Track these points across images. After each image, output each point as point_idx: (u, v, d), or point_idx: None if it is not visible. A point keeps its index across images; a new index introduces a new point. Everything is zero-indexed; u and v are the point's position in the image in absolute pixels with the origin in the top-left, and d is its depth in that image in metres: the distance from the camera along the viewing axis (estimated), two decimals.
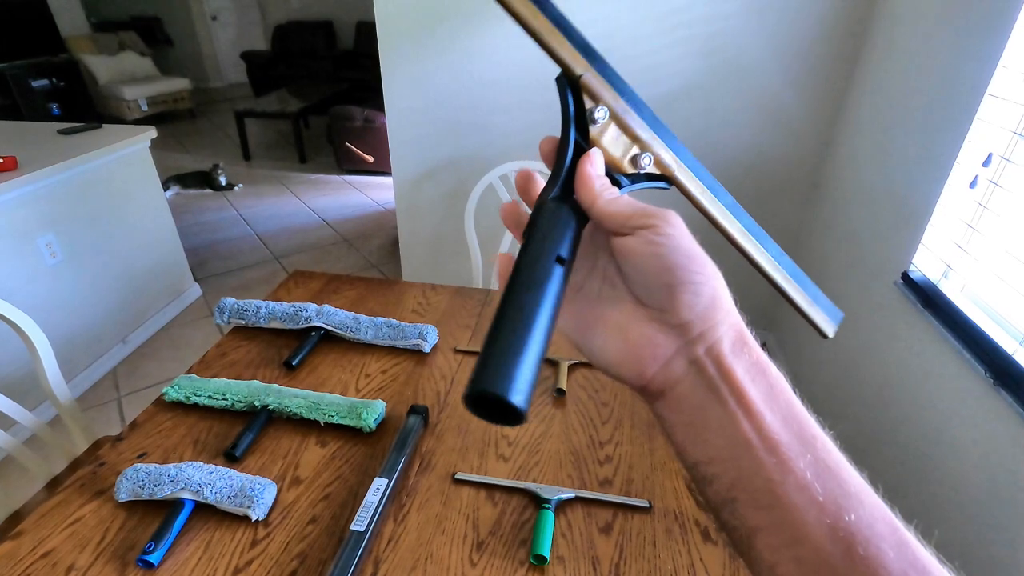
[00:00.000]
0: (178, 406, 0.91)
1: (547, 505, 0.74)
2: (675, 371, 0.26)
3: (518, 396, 0.21)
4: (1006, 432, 1.07)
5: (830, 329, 0.32)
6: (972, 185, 1.27)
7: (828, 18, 1.75)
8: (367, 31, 5.75)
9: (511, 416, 0.21)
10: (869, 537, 0.22)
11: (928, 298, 1.33)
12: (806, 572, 0.22)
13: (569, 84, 0.28)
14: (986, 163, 1.24)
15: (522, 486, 0.78)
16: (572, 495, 0.77)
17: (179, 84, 5.74)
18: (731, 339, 0.25)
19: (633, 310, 0.27)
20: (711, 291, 0.25)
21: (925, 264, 1.40)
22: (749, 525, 0.24)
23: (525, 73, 1.95)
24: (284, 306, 1.10)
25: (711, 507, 0.26)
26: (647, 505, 0.76)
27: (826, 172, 1.98)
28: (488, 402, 0.21)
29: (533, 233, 0.26)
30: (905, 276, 1.43)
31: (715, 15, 1.79)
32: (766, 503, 0.23)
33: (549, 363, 1.04)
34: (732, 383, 0.24)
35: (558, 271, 0.24)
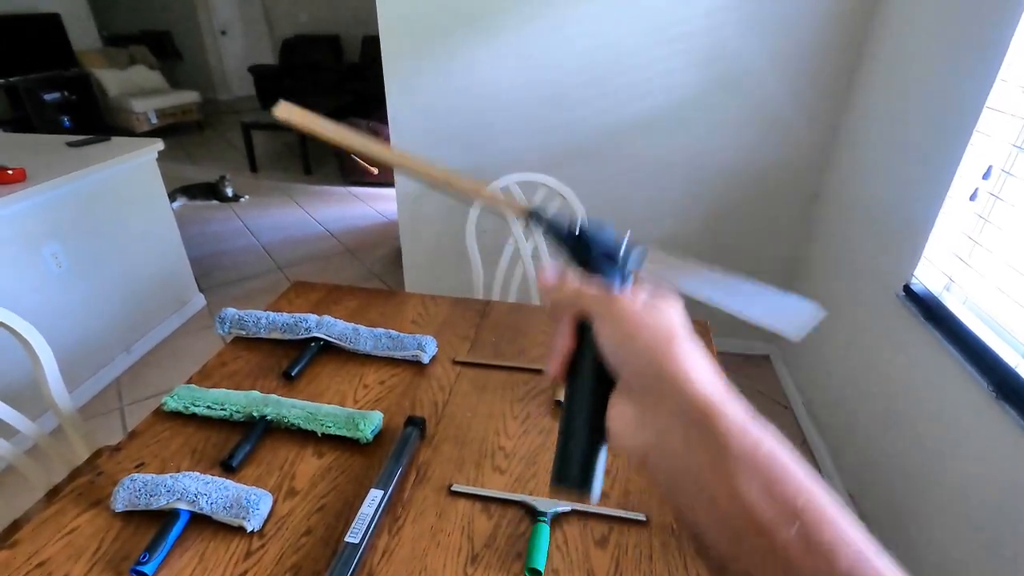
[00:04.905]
0: (177, 416, 0.92)
1: (543, 518, 0.74)
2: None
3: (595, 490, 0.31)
4: (1009, 446, 1.06)
5: (794, 332, 0.31)
6: (972, 198, 1.27)
7: (827, 30, 1.77)
8: (373, 45, 5.78)
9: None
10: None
11: (930, 311, 1.32)
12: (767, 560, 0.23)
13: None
14: (986, 176, 1.24)
15: (518, 498, 0.78)
16: (568, 508, 0.77)
17: (188, 97, 5.81)
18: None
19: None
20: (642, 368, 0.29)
21: (927, 276, 1.39)
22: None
23: (527, 87, 1.97)
24: (284, 316, 1.11)
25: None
26: (644, 519, 0.76)
27: (826, 183, 1.98)
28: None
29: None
30: (907, 288, 1.43)
31: (715, 26, 1.80)
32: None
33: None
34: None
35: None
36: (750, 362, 2.34)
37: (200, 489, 0.73)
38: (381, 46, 1.97)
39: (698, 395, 0.26)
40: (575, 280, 0.33)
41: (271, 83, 6.32)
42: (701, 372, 0.27)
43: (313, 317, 1.10)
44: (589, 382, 0.31)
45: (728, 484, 0.24)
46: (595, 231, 0.34)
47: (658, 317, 0.29)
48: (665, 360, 0.27)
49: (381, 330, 1.09)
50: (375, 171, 4.27)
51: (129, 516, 0.74)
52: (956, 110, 1.32)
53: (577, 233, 0.35)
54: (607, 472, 0.83)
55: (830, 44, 1.78)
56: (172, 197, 3.69)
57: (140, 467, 0.82)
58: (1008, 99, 1.19)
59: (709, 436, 0.25)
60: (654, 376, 0.27)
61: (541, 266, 0.28)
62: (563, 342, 0.32)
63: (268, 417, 0.88)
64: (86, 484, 0.79)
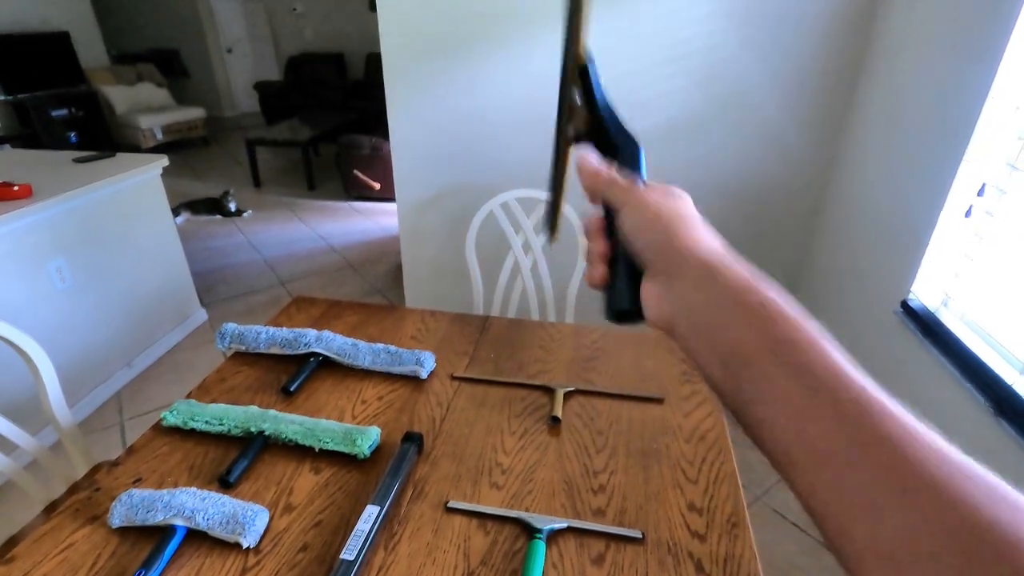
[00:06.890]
0: (176, 431, 0.92)
1: (539, 535, 0.74)
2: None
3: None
4: (1008, 463, 1.05)
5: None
6: (967, 214, 1.28)
7: (826, 49, 1.79)
8: (377, 63, 5.88)
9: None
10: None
11: (928, 327, 1.32)
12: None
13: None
14: (980, 193, 1.25)
15: (515, 515, 0.78)
16: (564, 525, 0.76)
17: (193, 113, 5.90)
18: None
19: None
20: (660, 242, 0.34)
21: (924, 293, 1.40)
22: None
23: (528, 104, 2.00)
24: (284, 332, 1.12)
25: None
26: (640, 536, 0.76)
27: (826, 200, 2.00)
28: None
29: None
30: (904, 305, 1.43)
31: (715, 46, 1.83)
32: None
33: (544, 390, 1.04)
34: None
35: None
36: None
37: (197, 505, 0.73)
38: (383, 63, 2.00)
39: (705, 259, 0.32)
40: (609, 171, 0.39)
41: (276, 99, 6.41)
42: (707, 242, 0.33)
43: (312, 332, 1.11)
44: (624, 274, 0.36)
45: (732, 327, 0.29)
46: (613, 111, 0.41)
47: (672, 203, 0.35)
48: (677, 237, 0.33)
49: (380, 345, 1.10)
50: (377, 186, 4.31)
51: (126, 532, 0.74)
52: (951, 128, 1.34)
53: (605, 104, 0.41)
54: (603, 489, 0.83)
55: (828, 64, 1.81)
56: (176, 212, 3.73)
57: (138, 482, 0.82)
58: (1001, 117, 1.20)
59: (716, 290, 0.30)
60: (670, 251, 0.33)
61: (582, 153, 0.36)
62: (598, 245, 0.38)
63: (266, 432, 0.88)
64: (83, 500, 0.79)
